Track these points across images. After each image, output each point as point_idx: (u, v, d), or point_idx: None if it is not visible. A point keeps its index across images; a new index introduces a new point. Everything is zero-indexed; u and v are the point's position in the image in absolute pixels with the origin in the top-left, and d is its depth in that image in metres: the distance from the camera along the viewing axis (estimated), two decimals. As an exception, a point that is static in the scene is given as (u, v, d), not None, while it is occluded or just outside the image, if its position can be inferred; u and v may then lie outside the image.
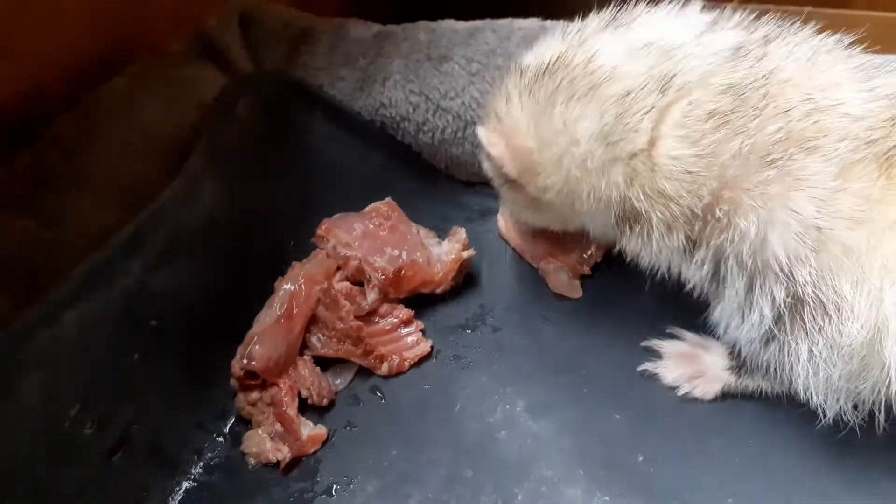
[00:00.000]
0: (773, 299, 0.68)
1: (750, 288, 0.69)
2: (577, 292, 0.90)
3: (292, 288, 0.86)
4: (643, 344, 0.82)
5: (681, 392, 0.79)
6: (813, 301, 0.66)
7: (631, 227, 0.73)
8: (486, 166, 0.83)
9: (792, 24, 0.74)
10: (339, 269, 0.90)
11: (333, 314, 0.85)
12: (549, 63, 0.73)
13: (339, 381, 0.84)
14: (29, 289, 0.70)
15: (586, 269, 0.91)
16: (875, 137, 0.65)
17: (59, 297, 0.67)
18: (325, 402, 0.82)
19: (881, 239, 0.64)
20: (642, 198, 0.70)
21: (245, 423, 0.79)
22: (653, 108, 0.68)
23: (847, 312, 0.65)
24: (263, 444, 0.76)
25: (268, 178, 0.94)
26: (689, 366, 0.80)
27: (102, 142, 0.83)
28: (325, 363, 0.84)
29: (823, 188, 0.65)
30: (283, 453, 0.76)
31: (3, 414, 0.63)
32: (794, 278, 0.67)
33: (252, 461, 0.76)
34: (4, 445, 0.62)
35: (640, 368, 0.80)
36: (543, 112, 0.73)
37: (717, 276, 0.71)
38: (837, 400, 0.69)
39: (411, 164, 1.05)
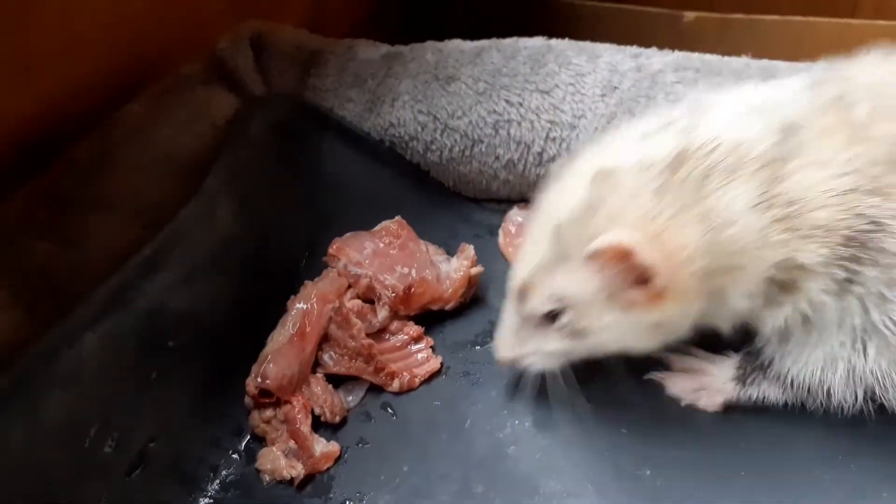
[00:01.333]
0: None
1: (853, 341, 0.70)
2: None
3: (305, 307, 0.88)
4: (653, 356, 0.81)
5: (684, 403, 0.80)
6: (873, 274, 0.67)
7: (786, 296, 0.71)
8: (588, 285, 0.70)
9: None
10: (350, 287, 0.92)
11: (345, 332, 0.87)
12: (678, 153, 0.69)
13: (350, 398, 0.86)
14: (51, 309, 0.73)
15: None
16: None
17: (79, 319, 0.70)
18: (337, 419, 0.84)
19: None
20: (800, 244, 0.67)
21: (260, 440, 0.81)
22: (785, 154, 0.67)
23: None
24: (278, 462, 0.78)
25: (280, 198, 0.97)
26: (693, 378, 0.81)
27: (120, 164, 0.86)
28: (338, 380, 0.86)
29: None
30: (297, 470, 0.78)
31: (27, 432, 0.65)
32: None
33: (267, 478, 0.77)
34: (27, 462, 0.64)
35: (646, 377, 0.81)
36: (694, 203, 0.68)
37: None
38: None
39: (420, 183, 1.07)
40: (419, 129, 1.06)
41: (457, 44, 1.12)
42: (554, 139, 1.04)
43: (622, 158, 0.70)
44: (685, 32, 1.66)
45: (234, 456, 0.78)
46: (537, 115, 1.04)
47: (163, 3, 1.03)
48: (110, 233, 0.79)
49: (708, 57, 1.08)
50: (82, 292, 0.71)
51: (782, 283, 0.70)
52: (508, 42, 1.11)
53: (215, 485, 0.75)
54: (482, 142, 1.05)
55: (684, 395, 0.81)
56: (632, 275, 0.67)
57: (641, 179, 0.68)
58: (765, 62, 1.07)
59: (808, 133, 0.68)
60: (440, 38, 1.15)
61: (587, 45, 1.10)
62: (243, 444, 0.80)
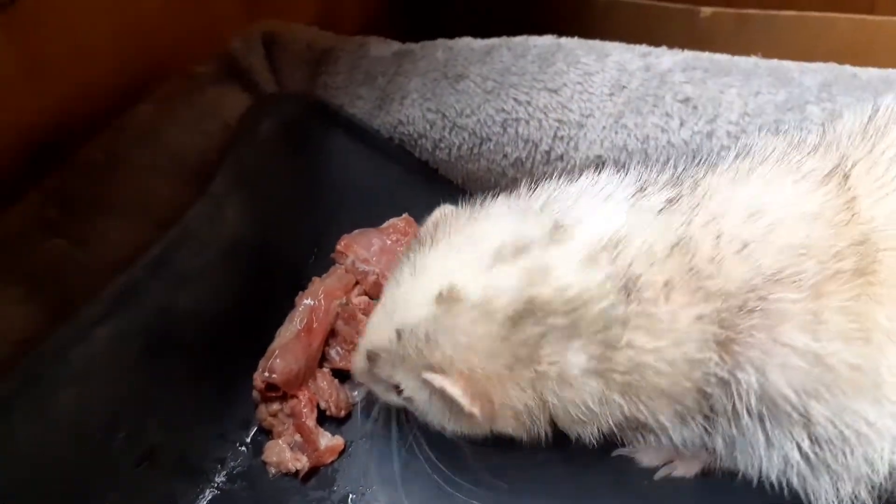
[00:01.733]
0: (794, 442, 0.64)
1: (767, 440, 0.66)
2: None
3: (312, 303, 0.90)
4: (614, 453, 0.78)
5: (658, 475, 0.77)
6: (833, 434, 0.63)
7: (643, 436, 0.70)
8: (422, 399, 0.72)
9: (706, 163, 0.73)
10: (357, 283, 0.94)
11: (352, 328, 0.89)
12: (522, 305, 0.66)
13: (356, 392, 0.88)
14: (62, 306, 0.75)
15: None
16: (842, 240, 0.62)
17: (90, 316, 0.72)
18: (342, 413, 0.85)
19: (887, 347, 0.62)
20: (644, 409, 0.66)
21: (266, 433, 0.83)
22: (624, 316, 0.64)
23: (876, 437, 0.62)
24: (283, 454, 0.80)
25: (289, 196, 0.99)
26: (665, 448, 0.76)
27: (131, 164, 0.88)
28: (343, 376, 0.88)
29: (807, 314, 0.62)
30: (303, 463, 0.80)
31: (38, 427, 0.67)
32: (809, 414, 0.63)
33: (273, 470, 0.79)
34: (38, 457, 0.67)
35: (614, 453, 0.78)
36: (529, 363, 0.66)
37: (732, 429, 0.67)
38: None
39: (428, 181, 1.08)
40: (428, 126, 1.07)
41: (467, 42, 1.13)
42: (562, 138, 1.04)
43: (469, 285, 0.67)
44: (701, 28, 1.65)
45: (241, 448, 0.80)
46: (545, 113, 1.04)
47: (174, 3, 1.05)
48: (120, 232, 0.81)
49: (718, 57, 1.08)
50: (93, 290, 0.73)
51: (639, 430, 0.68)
52: (518, 40, 1.11)
53: (222, 476, 0.77)
54: (490, 140, 1.06)
55: (657, 465, 0.78)
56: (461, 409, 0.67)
57: (481, 324, 0.66)
58: (774, 62, 1.07)
59: (649, 292, 0.64)
60: (452, 31, 1.16)
61: (596, 43, 1.11)
62: (250, 436, 0.82)
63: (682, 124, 1.00)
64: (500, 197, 0.76)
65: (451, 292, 0.67)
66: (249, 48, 1.10)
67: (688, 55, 1.08)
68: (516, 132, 1.05)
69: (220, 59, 1.07)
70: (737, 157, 0.72)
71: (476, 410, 0.66)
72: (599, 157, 1.03)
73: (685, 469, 0.77)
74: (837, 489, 0.65)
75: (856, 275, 0.62)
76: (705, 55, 1.08)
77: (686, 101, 1.01)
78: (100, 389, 0.71)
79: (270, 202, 0.94)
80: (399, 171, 1.07)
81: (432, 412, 0.72)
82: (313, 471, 0.80)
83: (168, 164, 0.89)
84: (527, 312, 0.65)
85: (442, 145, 1.07)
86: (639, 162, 0.84)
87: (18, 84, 0.89)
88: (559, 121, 1.04)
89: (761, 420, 0.65)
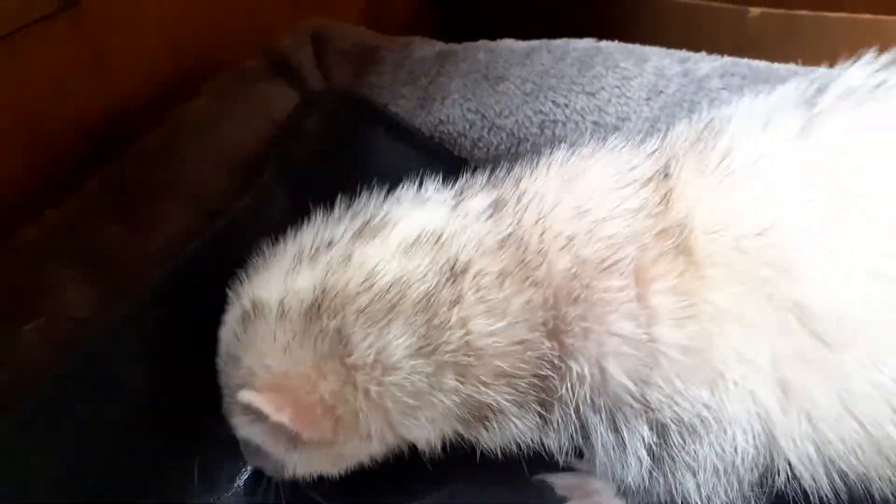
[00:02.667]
0: (642, 437, 0.65)
1: (615, 430, 0.66)
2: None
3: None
4: (535, 479, 0.78)
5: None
6: (676, 423, 0.64)
7: (485, 426, 0.69)
8: (256, 432, 0.70)
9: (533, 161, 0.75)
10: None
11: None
12: (316, 297, 0.66)
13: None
14: (117, 288, 0.81)
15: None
16: (661, 227, 0.64)
17: (143, 298, 0.78)
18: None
19: (719, 326, 0.62)
20: (483, 389, 0.66)
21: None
22: (452, 298, 0.65)
23: (717, 423, 0.63)
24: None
25: (333, 190, 1.03)
26: (581, 498, 0.77)
27: (184, 155, 0.93)
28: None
29: (632, 300, 0.63)
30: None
31: (96, 402, 0.73)
32: (648, 402, 0.64)
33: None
34: (97, 431, 0.73)
35: (535, 477, 0.78)
36: (334, 355, 0.66)
37: (583, 431, 0.68)
38: None
39: (467, 177, 1.12)
40: (467, 126, 1.11)
41: (508, 44, 1.17)
42: (598, 140, 1.07)
43: (270, 296, 0.67)
44: (749, 28, 1.66)
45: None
46: (582, 116, 1.08)
47: (226, 1, 1.11)
48: (173, 219, 0.87)
49: (756, 63, 1.09)
50: (146, 273, 0.79)
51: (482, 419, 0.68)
52: (558, 43, 1.14)
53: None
54: (527, 140, 1.09)
55: (572, 490, 0.78)
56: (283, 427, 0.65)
57: (278, 327, 0.66)
58: (814, 70, 1.08)
59: (486, 279, 0.66)
60: (499, 28, 1.20)
61: (636, 48, 1.13)
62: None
63: (717, 130, 1.02)
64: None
65: (253, 307, 0.67)
66: (298, 46, 1.15)
67: (727, 61, 1.10)
68: (553, 133, 1.08)
69: (269, 56, 1.12)
70: (570, 153, 0.75)
71: (285, 419, 0.64)
72: (634, 159, 1.06)
73: (603, 498, 0.76)
74: (699, 486, 0.65)
75: (679, 254, 0.63)
76: (744, 62, 1.10)
77: (721, 105, 1.03)
78: (150, 369, 0.77)
79: (315, 196, 0.99)
80: (439, 169, 1.11)
81: (269, 448, 0.69)
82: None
83: (219, 156, 0.94)
84: (320, 303, 0.65)
85: (480, 144, 1.11)
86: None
87: (83, 78, 0.95)
88: (596, 123, 1.07)
89: (608, 416, 0.66)
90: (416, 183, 0.76)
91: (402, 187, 0.77)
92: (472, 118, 1.11)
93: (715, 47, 1.23)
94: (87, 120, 0.96)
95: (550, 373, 0.66)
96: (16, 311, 0.74)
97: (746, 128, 0.68)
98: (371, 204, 0.74)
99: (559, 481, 0.78)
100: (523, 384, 0.66)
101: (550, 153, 0.76)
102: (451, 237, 0.67)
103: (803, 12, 1.61)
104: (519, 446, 0.71)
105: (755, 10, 1.65)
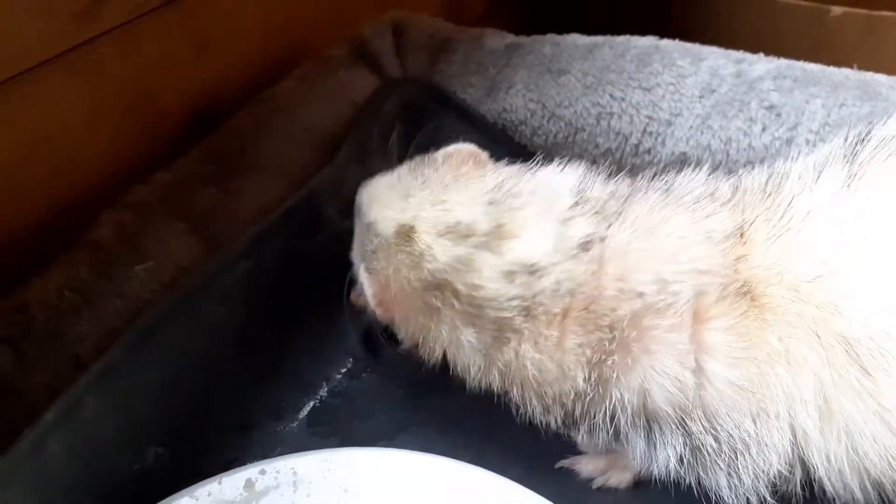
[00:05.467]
0: (675, 447, 0.75)
1: (649, 439, 0.76)
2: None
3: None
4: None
5: (595, 485, 0.86)
6: (714, 445, 0.72)
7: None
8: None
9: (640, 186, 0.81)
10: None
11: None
12: (438, 282, 0.77)
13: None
14: (213, 242, 0.97)
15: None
16: (729, 274, 0.72)
17: (233, 252, 0.94)
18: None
19: (771, 366, 0.71)
20: (516, 392, 0.78)
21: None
22: (518, 328, 0.75)
23: (756, 447, 0.72)
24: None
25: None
26: (602, 458, 0.86)
27: (272, 132, 1.09)
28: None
29: (683, 337, 0.72)
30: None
31: (189, 336, 0.89)
32: (688, 429, 0.73)
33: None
34: (187, 360, 0.88)
35: (557, 465, 0.87)
36: (430, 313, 0.78)
37: (615, 435, 0.77)
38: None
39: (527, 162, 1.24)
40: (529, 115, 1.23)
41: (573, 38, 1.28)
42: (651, 133, 1.18)
43: (422, 237, 0.78)
44: (829, 27, 1.72)
45: (343, 371, 0.98)
46: (637, 110, 1.18)
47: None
48: (260, 187, 1.03)
49: (810, 66, 1.18)
50: (236, 231, 0.96)
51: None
52: (620, 40, 1.25)
53: (325, 391, 0.97)
54: (584, 130, 1.21)
55: (595, 475, 0.87)
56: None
57: (410, 270, 0.78)
58: (867, 75, 1.16)
59: (545, 316, 0.75)
60: (577, 19, 1.30)
61: (694, 47, 1.23)
62: (349, 364, 1.02)
63: (763, 129, 1.12)
64: (497, 166, 0.87)
65: (408, 231, 0.79)
66: (379, 35, 1.29)
67: (781, 63, 1.19)
68: (609, 125, 1.20)
69: (351, 43, 1.27)
70: (655, 192, 0.80)
71: (379, 312, 0.81)
72: (684, 153, 1.16)
73: (618, 479, 0.86)
74: (729, 485, 0.74)
75: (741, 297, 0.72)
76: (798, 64, 1.18)
77: (771, 108, 1.13)
78: (237, 311, 0.92)
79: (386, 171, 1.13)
80: (501, 153, 1.23)
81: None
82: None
83: (303, 133, 1.10)
84: (438, 288, 0.77)
85: (540, 132, 1.23)
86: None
87: (188, 62, 1.13)
88: (649, 117, 1.18)
89: (644, 428, 0.75)
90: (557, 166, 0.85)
91: (546, 169, 0.85)
92: (534, 107, 1.23)
93: (794, 45, 1.30)
94: (190, 98, 1.13)
95: (575, 402, 0.76)
96: (130, 254, 0.91)
97: (802, 182, 0.77)
98: (515, 190, 0.81)
99: (586, 442, 0.87)
100: (549, 400, 0.77)
101: (636, 196, 0.81)
102: (542, 276, 0.75)
103: (886, 13, 1.66)
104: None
105: (837, 10, 1.70)
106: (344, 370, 0.99)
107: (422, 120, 1.21)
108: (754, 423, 0.71)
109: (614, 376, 0.73)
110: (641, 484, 0.85)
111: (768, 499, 0.74)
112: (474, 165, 0.86)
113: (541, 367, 0.76)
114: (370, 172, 0.89)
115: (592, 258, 0.75)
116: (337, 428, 0.92)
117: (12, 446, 0.73)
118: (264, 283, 0.95)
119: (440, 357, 0.81)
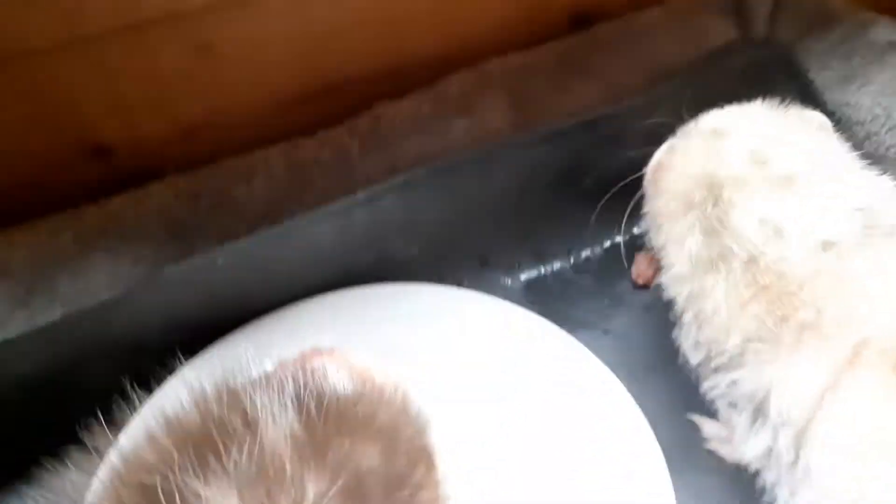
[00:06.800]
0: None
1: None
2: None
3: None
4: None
5: (708, 446, 0.93)
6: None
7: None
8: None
9: None
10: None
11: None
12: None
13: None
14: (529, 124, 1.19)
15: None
16: None
17: (536, 134, 1.13)
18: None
19: None
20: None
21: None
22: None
23: None
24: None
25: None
26: (726, 429, 0.90)
27: (618, 50, 1.25)
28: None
29: None
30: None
31: (480, 184, 1.14)
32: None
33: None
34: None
35: (688, 415, 0.96)
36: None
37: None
38: None
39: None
40: (869, 118, 1.22)
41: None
42: None
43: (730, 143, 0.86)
44: None
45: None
46: None
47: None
48: (585, 92, 1.21)
49: None
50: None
51: None
52: None
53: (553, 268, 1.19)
54: (923, 153, 1.18)
55: (712, 438, 0.93)
56: None
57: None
58: None
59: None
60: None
61: None
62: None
63: None
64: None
65: (718, 131, 0.89)
66: (760, -8, 1.34)
67: None
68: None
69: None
70: None
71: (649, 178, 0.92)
72: None
73: (729, 452, 0.91)
74: None
75: None
76: None
77: None
78: (513, 183, 1.15)
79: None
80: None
81: None
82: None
83: (642, 59, 1.24)
84: (708, 188, 0.85)
85: (872, 139, 1.22)
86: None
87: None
88: None
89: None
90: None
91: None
92: (879, 113, 1.21)
93: None
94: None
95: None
96: (460, 109, 1.17)
97: None
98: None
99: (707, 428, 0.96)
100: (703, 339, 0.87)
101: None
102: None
103: None
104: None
105: None
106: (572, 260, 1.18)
107: (762, 88, 1.27)
108: None
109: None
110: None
111: None
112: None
113: (716, 310, 0.84)
114: (679, 118, 1.01)
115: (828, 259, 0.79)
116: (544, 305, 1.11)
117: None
118: (548, 169, 1.16)
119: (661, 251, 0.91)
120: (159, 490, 0.44)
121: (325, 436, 0.50)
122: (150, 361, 0.82)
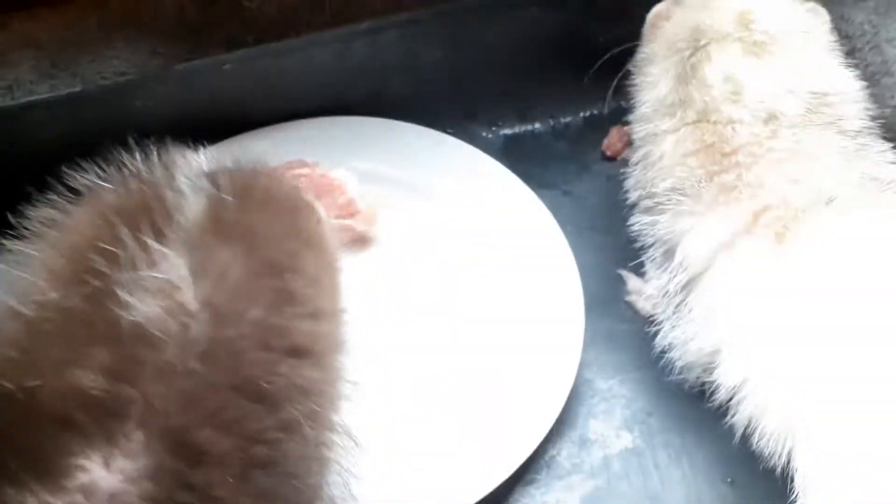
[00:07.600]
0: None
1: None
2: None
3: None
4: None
5: (626, 297, 1.05)
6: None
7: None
8: None
9: None
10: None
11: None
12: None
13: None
14: None
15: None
16: None
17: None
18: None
19: None
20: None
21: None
22: None
23: None
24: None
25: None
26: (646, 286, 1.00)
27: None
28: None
29: None
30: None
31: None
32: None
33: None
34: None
35: (619, 270, 1.07)
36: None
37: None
38: None
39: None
40: (857, 33, 1.24)
41: None
42: None
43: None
44: None
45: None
46: None
47: None
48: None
49: None
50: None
51: None
52: None
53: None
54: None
55: (633, 292, 1.03)
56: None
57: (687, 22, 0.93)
58: None
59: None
60: None
61: None
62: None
63: None
64: None
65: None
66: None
67: None
68: None
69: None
70: None
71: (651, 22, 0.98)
72: None
73: (644, 306, 1.02)
74: None
75: None
76: None
77: None
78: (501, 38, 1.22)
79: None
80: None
81: None
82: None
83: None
84: (698, 36, 0.92)
85: (856, 54, 1.24)
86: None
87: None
88: None
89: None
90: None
91: None
92: (867, 29, 1.23)
93: None
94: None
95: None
96: None
97: None
98: None
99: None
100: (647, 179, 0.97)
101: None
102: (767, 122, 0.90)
103: None
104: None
105: None
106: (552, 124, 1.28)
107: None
108: None
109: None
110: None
111: None
112: None
113: (662, 155, 0.92)
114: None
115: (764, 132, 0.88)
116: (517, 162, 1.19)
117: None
118: (546, 32, 1.22)
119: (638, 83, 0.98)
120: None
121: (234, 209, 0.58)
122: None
